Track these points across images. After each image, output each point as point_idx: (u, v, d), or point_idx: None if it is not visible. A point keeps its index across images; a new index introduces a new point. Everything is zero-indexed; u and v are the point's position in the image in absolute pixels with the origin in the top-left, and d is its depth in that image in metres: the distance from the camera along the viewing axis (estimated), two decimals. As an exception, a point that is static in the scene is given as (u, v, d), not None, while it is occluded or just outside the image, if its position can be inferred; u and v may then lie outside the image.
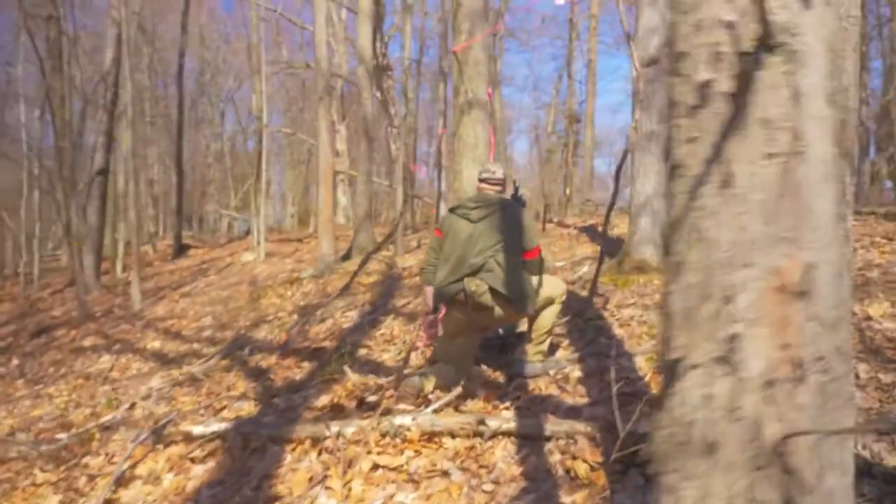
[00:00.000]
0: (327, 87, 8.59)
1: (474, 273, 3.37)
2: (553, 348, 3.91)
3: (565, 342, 4.06)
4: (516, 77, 50.42)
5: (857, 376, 2.97)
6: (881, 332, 3.44)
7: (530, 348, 3.58)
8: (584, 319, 4.48)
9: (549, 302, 3.58)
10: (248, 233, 19.58)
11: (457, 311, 3.44)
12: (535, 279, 3.53)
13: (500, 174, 3.64)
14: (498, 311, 3.33)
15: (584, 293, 5.30)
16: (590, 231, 9.66)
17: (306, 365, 4.41)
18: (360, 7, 10.00)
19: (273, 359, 4.76)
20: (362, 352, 4.49)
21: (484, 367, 3.68)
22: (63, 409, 5.07)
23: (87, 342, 7.56)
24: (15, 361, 7.25)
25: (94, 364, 6.47)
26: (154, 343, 6.85)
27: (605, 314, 4.56)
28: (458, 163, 4.66)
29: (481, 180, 3.64)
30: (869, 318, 3.65)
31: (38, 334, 8.62)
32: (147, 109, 28.36)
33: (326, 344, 4.91)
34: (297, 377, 4.22)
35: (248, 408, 3.78)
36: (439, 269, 3.53)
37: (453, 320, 3.50)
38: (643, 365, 3.42)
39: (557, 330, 4.15)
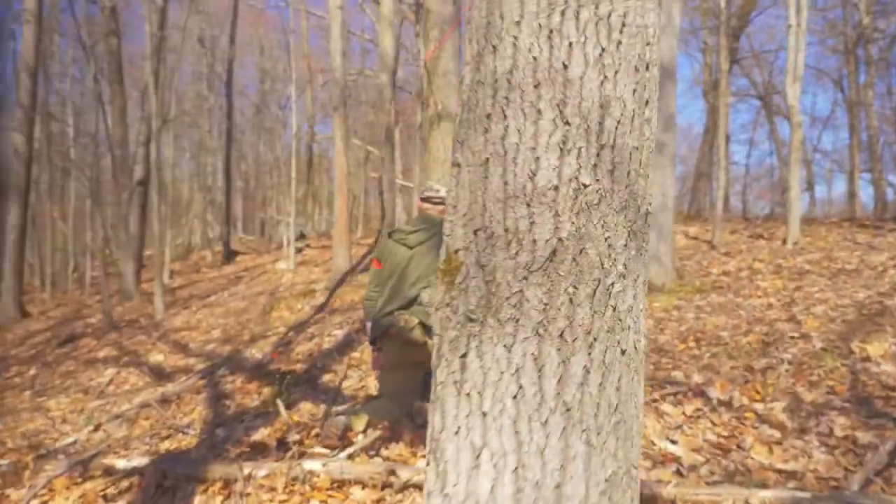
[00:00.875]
0: (342, 96, 8.49)
1: (407, 306, 3.12)
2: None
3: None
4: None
5: (830, 432, 2.56)
6: (877, 376, 2.99)
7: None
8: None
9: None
10: (299, 238, 19.85)
11: (391, 345, 3.20)
12: None
13: (443, 192, 3.38)
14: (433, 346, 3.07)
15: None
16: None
17: (266, 391, 4.26)
18: (382, 14, 9.87)
19: (239, 382, 4.63)
20: (326, 377, 4.30)
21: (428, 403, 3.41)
22: (50, 426, 5.11)
23: (102, 353, 7.69)
24: (32, 371, 7.45)
25: (98, 377, 6.55)
26: (158, 356, 6.89)
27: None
28: (428, 180, 4.41)
29: (422, 199, 3.38)
30: (867, 358, 3.20)
31: (65, 343, 8.87)
32: (206, 119, 29.27)
33: (298, 367, 4.75)
34: (253, 404, 4.07)
35: (189, 439, 3.65)
36: (378, 300, 3.30)
37: (390, 355, 3.26)
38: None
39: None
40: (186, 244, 28.27)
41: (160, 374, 6.19)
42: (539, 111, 0.99)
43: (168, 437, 3.74)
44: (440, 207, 3.36)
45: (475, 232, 1.04)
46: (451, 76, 4.33)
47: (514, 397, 1.02)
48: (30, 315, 13.39)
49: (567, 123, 0.98)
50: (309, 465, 2.76)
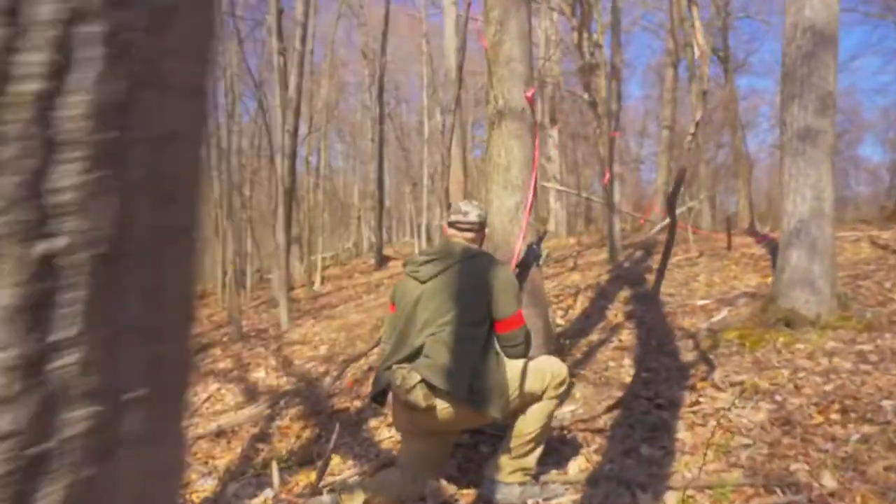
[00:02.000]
0: (456, 96, 7.91)
1: (412, 357, 2.43)
2: (556, 460, 2.76)
3: (591, 445, 2.86)
4: (754, 62, 44.41)
5: None
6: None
7: (506, 462, 2.50)
8: (652, 402, 3.19)
9: (534, 399, 2.48)
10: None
11: (397, 406, 2.53)
12: (512, 365, 2.47)
13: (473, 216, 2.64)
14: (444, 412, 2.34)
15: (692, 353, 3.91)
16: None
17: (306, 434, 3.78)
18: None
19: (288, 419, 4.21)
20: (374, 423, 3.72)
21: (446, 481, 2.67)
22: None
23: (221, 365, 7.84)
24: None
25: (202, 391, 6.59)
26: (260, 373, 6.80)
27: (686, 396, 3.21)
28: (488, 190, 3.65)
29: (449, 224, 2.67)
30: None
31: (199, 351, 9.26)
32: (368, 128, 30.46)
33: (357, 403, 4.23)
34: (288, 448, 3.60)
35: (206, 488, 3.25)
36: (386, 349, 2.66)
37: (397, 417, 2.59)
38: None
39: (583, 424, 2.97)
40: (355, 249, 29.46)
41: (252, 394, 6.03)
42: None
43: (187, 485, 3.38)
44: (469, 235, 2.64)
45: None
46: (517, 64, 3.53)
47: None
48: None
49: None
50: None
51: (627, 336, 4.70)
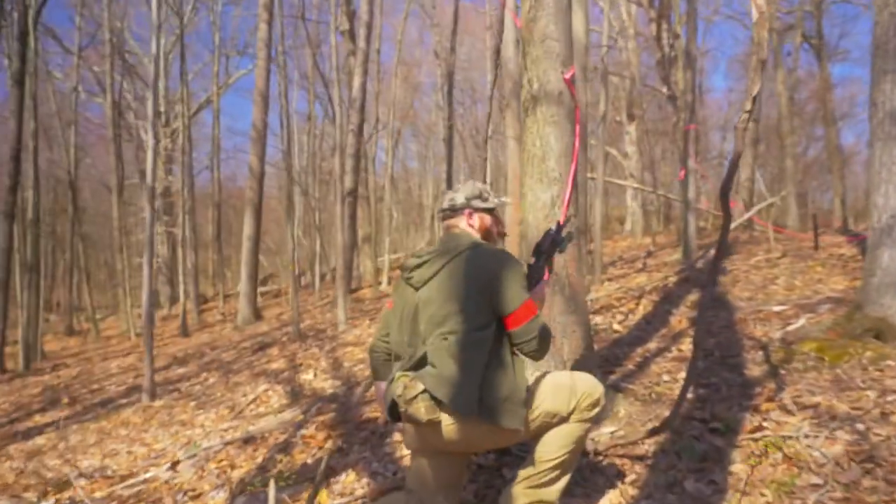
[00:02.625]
0: (515, 89, 7.57)
1: (416, 366, 2.15)
2: (586, 492, 2.39)
3: (629, 476, 2.47)
4: (851, 49, 41.14)
5: None
6: None
7: (520, 492, 2.16)
8: (705, 425, 2.77)
9: (560, 419, 2.13)
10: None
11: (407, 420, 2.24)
12: (529, 370, 2.15)
13: (459, 198, 2.32)
14: (450, 429, 2.04)
15: (760, 368, 3.46)
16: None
17: (328, 445, 3.54)
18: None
19: (313, 428, 3.99)
20: (397, 437, 3.44)
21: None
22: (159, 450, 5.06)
23: (275, 365, 7.80)
24: (212, 379, 7.83)
25: (252, 392, 6.54)
26: (308, 375, 6.68)
27: (747, 419, 2.77)
28: (522, 184, 3.31)
29: (440, 214, 2.37)
30: None
31: (259, 350, 9.33)
32: (441, 128, 30.41)
33: (374, 414, 3.97)
34: (308, 460, 3.38)
35: (219, 500, 3.07)
36: (387, 353, 2.37)
37: (406, 432, 2.30)
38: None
39: (617, 448, 2.58)
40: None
41: (298, 397, 5.91)
42: None
43: (199, 496, 3.22)
44: (458, 222, 2.34)
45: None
46: (553, 42, 3.18)
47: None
48: (262, 318, 14.73)
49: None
50: None
51: (689, 345, 4.23)
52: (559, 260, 3.14)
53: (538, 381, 2.19)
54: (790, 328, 4.21)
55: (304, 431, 3.98)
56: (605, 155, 23.79)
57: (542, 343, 2.11)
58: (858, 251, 7.23)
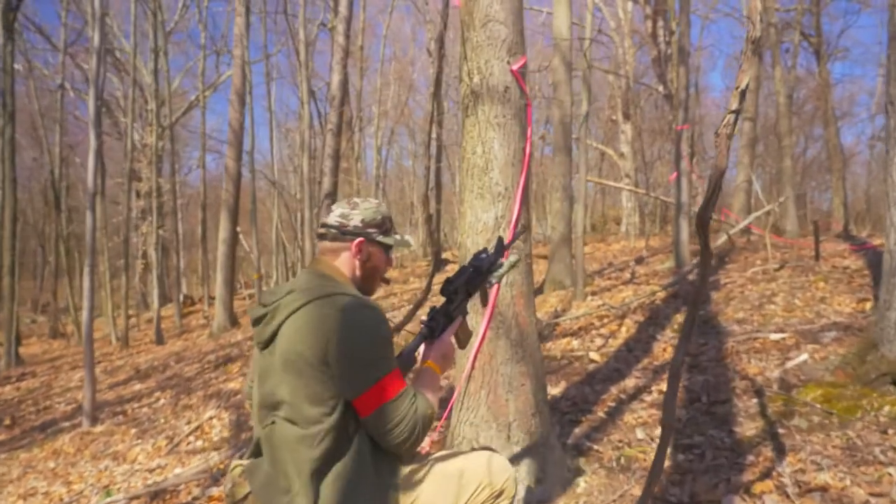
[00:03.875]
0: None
1: (253, 453, 1.57)
2: None
3: None
4: (854, 49, 40.21)
5: None
6: None
7: None
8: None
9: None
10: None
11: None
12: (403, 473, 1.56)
13: (334, 216, 1.68)
14: None
15: (754, 423, 2.87)
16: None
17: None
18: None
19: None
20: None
21: None
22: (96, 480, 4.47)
23: (232, 384, 7.19)
24: (162, 401, 7.23)
25: (197, 418, 5.93)
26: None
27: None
28: (461, 200, 2.69)
29: (320, 233, 1.73)
30: None
31: (224, 363, 8.73)
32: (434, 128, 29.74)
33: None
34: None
35: None
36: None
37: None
38: None
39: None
40: (422, 250, 28.82)
41: (241, 426, 5.31)
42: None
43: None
44: (330, 246, 1.73)
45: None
46: (498, 26, 2.57)
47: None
48: (240, 324, 14.10)
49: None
50: None
51: (672, 384, 3.62)
52: (504, 295, 2.53)
53: (420, 470, 1.59)
54: (790, 364, 3.60)
55: (213, 491, 3.36)
56: (602, 155, 23.18)
57: (411, 433, 1.48)
58: (864, 264, 6.62)
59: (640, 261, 10.76)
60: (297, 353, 1.45)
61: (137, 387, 8.74)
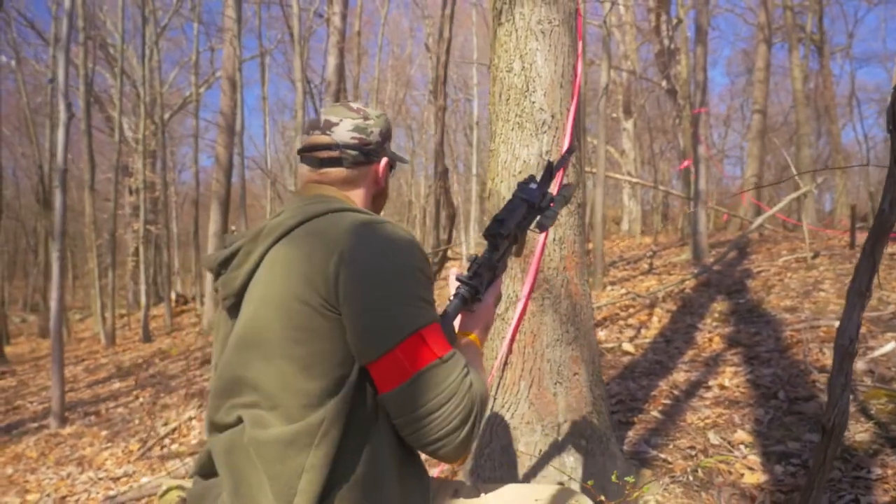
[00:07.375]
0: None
1: (200, 471, 0.97)
2: None
3: None
4: (854, 46, 39.71)
5: None
6: None
7: None
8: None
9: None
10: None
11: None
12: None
13: (345, 132, 1.05)
14: None
15: (860, 424, 2.24)
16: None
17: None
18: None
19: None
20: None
21: None
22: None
23: (217, 382, 6.58)
24: (142, 400, 6.60)
25: (175, 418, 5.31)
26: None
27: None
28: (493, 133, 2.09)
29: (299, 154, 1.10)
30: None
31: (208, 361, 8.14)
32: (431, 124, 29.20)
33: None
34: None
35: None
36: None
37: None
38: None
39: None
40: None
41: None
42: None
43: None
44: (350, 174, 1.06)
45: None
46: None
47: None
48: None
49: None
50: None
51: (734, 378, 3.02)
52: (552, 254, 1.92)
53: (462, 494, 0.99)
54: (876, 353, 3.00)
55: (176, 508, 2.75)
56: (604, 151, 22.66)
57: (462, 423, 0.88)
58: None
59: (653, 254, 10.17)
60: (288, 292, 0.85)
61: (116, 385, 8.11)
